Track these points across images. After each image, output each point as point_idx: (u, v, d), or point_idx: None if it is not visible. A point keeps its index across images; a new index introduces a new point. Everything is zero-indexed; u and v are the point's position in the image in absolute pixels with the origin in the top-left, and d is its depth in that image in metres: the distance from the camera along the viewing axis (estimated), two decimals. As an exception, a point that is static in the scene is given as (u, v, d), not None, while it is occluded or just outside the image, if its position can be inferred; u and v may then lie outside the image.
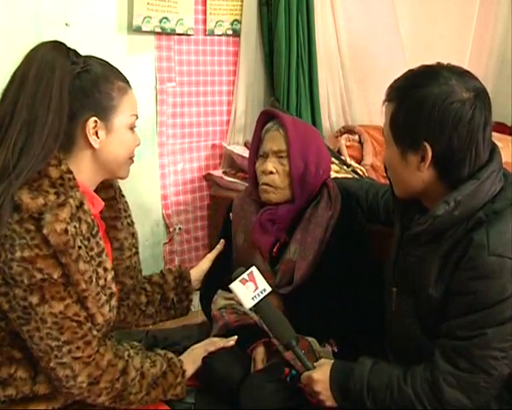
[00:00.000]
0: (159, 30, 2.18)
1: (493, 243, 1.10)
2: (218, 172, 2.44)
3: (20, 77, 1.14)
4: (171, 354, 1.35)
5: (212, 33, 2.37)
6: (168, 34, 2.22)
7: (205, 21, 2.33)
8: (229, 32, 2.42)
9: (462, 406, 1.15)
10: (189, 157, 2.43)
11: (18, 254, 1.06)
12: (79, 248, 1.11)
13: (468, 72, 1.19)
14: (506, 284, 1.09)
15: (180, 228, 2.42)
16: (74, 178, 1.15)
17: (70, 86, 1.15)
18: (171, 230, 2.39)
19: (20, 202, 1.07)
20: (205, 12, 2.32)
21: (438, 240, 1.20)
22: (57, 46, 1.18)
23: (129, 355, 1.24)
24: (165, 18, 2.17)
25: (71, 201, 1.10)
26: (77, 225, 1.10)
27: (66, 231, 1.08)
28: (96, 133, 1.20)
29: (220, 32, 2.39)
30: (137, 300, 1.48)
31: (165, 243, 2.39)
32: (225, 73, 2.46)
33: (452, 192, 1.15)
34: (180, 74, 2.31)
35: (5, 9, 1.83)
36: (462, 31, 3.17)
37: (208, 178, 2.47)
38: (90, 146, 1.20)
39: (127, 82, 1.26)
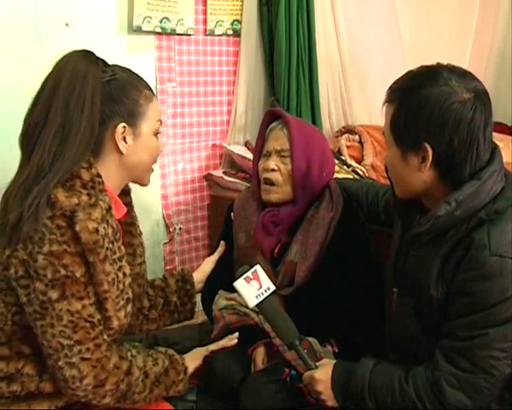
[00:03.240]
0: (159, 30, 2.18)
1: (494, 243, 1.10)
2: (218, 172, 2.44)
3: (52, 84, 1.17)
4: (172, 352, 1.36)
5: (212, 33, 2.37)
6: (168, 34, 2.22)
7: (205, 21, 2.33)
8: (230, 32, 2.42)
9: (464, 406, 1.15)
10: (190, 157, 2.43)
11: (46, 247, 1.08)
12: (106, 249, 1.13)
13: (468, 72, 1.19)
14: (507, 284, 1.09)
15: (180, 228, 2.43)
16: (103, 183, 1.19)
17: (101, 94, 1.19)
18: (171, 230, 2.39)
19: (56, 199, 1.10)
20: (205, 12, 2.32)
21: (439, 240, 1.20)
22: (88, 55, 1.22)
23: (132, 355, 1.25)
24: (166, 18, 2.17)
25: (101, 203, 1.14)
26: (105, 227, 1.14)
27: (97, 230, 1.11)
28: (124, 138, 1.24)
29: (220, 32, 2.39)
30: (140, 304, 1.49)
31: (165, 243, 2.39)
32: (225, 72, 2.46)
33: (454, 192, 1.15)
34: (180, 74, 2.31)
35: (5, 9, 1.83)
36: (462, 31, 3.18)
37: (208, 178, 2.47)
38: (118, 151, 1.24)
39: (151, 89, 1.31)
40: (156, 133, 1.31)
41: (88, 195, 1.13)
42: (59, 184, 1.12)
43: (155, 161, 1.34)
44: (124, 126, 1.22)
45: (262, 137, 1.66)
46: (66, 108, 1.15)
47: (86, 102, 1.16)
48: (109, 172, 1.24)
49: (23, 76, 1.76)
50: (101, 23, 2.05)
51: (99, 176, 1.18)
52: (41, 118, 1.15)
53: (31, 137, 1.16)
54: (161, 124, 1.32)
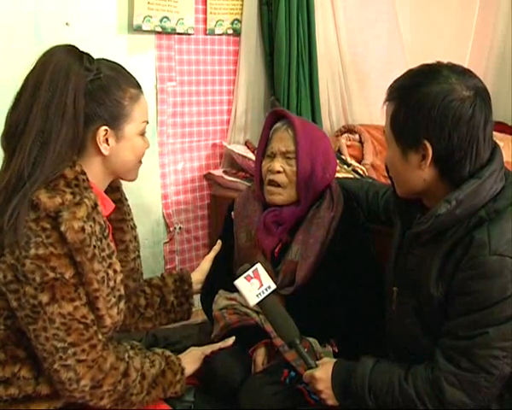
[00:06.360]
0: (159, 29, 2.18)
1: (494, 242, 1.10)
2: (218, 172, 2.44)
3: (33, 82, 1.14)
4: (168, 353, 1.35)
5: (212, 33, 2.37)
6: (168, 33, 2.22)
7: (205, 21, 2.33)
8: (230, 31, 2.42)
9: (464, 405, 1.15)
10: (190, 156, 2.43)
11: (32, 251, 1.07)
12: (94, 247, 1.11)
13: (468, 70, 1.19)
14: (507, 283, 1.09)
15: (180, 227, 2.42)
16: (88, 180, 1.16)
17: (83, 94, 1.15)
18: (171, 229, 2.39)
19: (38, 201, 1.08)
20: (205, 11, 2.32)
21: (439, 239, 1.20)
22: (71, 51, 1.18)
23: (129, 356, 1.24)
24: (166, 17, 2.17)
25: (86, 201, 1.12)
26: (92, 225, 1.11)
27: (83, 229, 1.09)
28: (107, 140, 1.21)
29: (220, 32, 2.39)
30: (137, 302, 1.48)
31: (165, 243, 2.39)
32: (226, 72, 2.46)
33: (454, 191, 1.15)
34: (180, 74, 2.31)
35: (5, 9, 1.83)
36: (462, 30, 3.17)
37: (208, 177, 2.47)
38: (100, 152, 1.21)
39: (139, 87, 1.27)
40: (142, 133, 1.27)
41: (72, 193, 1.11)
42: (41, 185, 1.10)
43: (141, 159, 1.31)
44: (105, 129, 1.19)
45: (265, 138, 1.65)
46: (47, 111, 1.11)
47: (68, 104, 1.12)
48: (93, 171, 1.21)
49: (23, 76, 1.76)
50: (101, 23, 2.05)
51: (83, 173, 1.16)
52: (22, 119, 1.12)
53: (12, 138, 1.13)
54: (147, 123, 1.29)
